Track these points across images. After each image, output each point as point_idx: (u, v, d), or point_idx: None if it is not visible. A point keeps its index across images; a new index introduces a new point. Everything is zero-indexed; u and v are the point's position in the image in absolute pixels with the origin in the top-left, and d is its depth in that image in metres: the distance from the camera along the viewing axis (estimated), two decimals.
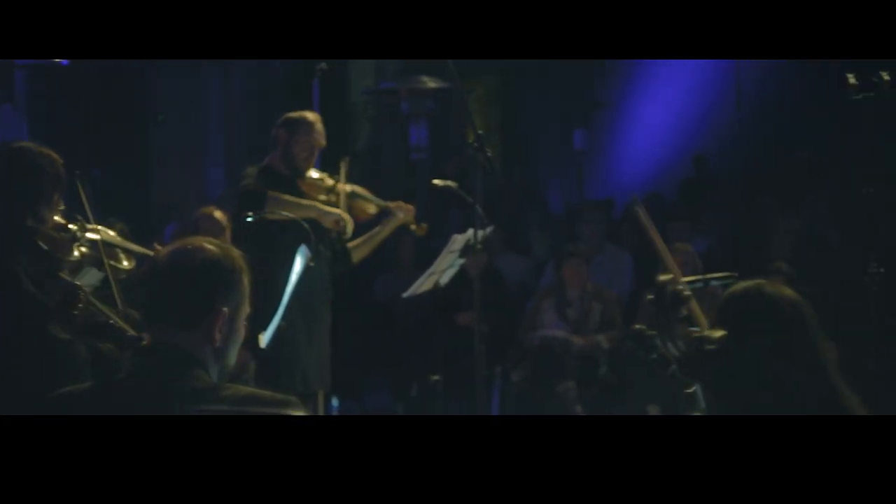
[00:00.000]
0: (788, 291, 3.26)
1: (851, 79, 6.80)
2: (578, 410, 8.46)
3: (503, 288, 9.85)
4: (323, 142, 6.73)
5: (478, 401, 6.96)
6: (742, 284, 3.31)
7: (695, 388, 3.51)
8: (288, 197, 6.53)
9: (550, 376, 8.68)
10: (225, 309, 3.00)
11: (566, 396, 8.53)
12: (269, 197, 6.41)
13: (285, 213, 6.35)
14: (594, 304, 8.84)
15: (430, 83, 15.17)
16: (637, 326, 3.74)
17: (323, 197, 6.72)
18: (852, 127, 7.10)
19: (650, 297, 3.63)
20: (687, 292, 3.56)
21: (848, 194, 10.36)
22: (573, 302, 8.98)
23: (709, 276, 6.21)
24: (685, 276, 6.76)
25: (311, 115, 6.77)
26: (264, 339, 5.85)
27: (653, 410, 7.75)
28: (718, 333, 3.23)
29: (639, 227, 5.51)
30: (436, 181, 7.13)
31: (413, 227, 7.02)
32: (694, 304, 3.97)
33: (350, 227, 6.71)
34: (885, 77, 6.73)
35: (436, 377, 7.42)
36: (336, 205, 6.70)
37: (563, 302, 8.98)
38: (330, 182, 6.79)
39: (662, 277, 3.65)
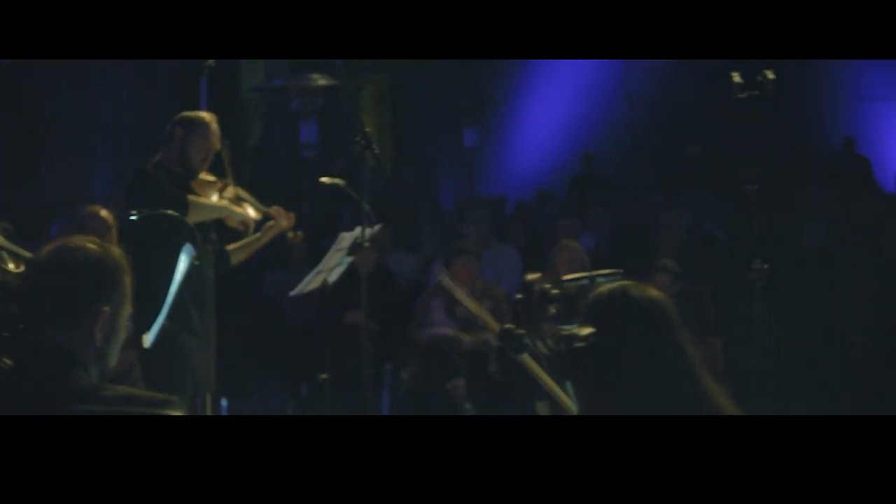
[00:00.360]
0: (654, 292, 3.30)
1: (736, 77, 6.90)
2: (468, 408, 8.47)
3: (393, 286, 9.84)
4: (218, 144, 6.65)
5: (366, 399, 6.95)
6: (608, 285, 3.35)
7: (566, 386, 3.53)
8: (203, 200, 6.48)
9: (440, 374, 8.68)
10: (106, 308, 2.96)
11: (456, 394, 8.54)
12: (189, 203, 6.34)
13: (196, 216, 6.27)
14: (484, 301, 8.86)
15: (320, 81, 15.14)
16: (507, 326, 3.76)
17: (214, 198, 6.66)
18: (738, 124, 7.20)
19: (519, 296, 3.65)
20: (555, 291, 3.59)
21: (733, 191, 10.51)
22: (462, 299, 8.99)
23: (595, 272, 6.25)
24: (572, 273, 6.84)
25: (207, 116, 6.66)
26: (148, 338, 5.78)
27: (541, 407, 7.79)
28: (586, 331, 3.25)
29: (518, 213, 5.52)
30: (323, 179, 7.10)
31: (290, 234, 6.96)
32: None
33: (252, 229, 6.68)
34: (770, 76, 6.84)
35: (324, 376, 7.39)
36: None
37: (453, 299, 8.99)
38: (219, 184, 6.73)
39: (530, 276, 3.67)
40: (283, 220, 6.86)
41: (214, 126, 6.62)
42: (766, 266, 6.94)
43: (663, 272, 8.24)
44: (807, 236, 11.50)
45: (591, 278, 5.55)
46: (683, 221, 10.17)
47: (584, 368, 3.22)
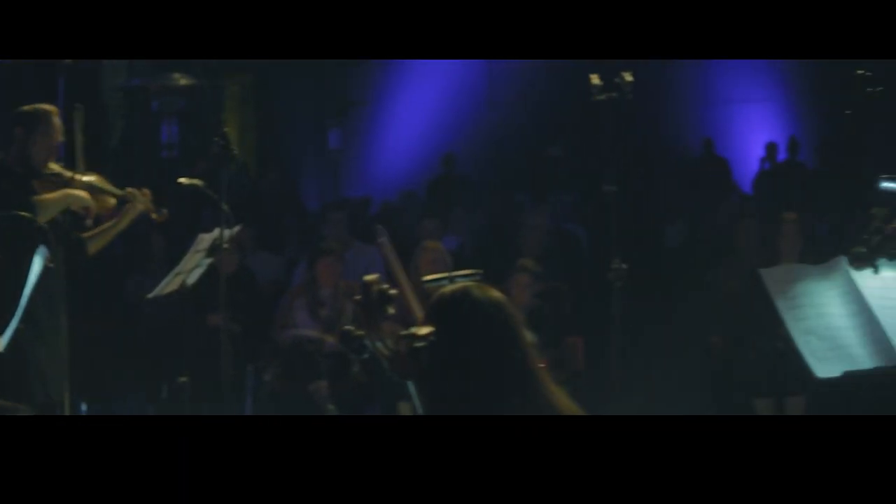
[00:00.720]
0: (496, 294, 3.34)
1: (595, 79, 6.96)
2: (330, 409, 8.43)
3: (254, 287, 9.75)
4: (61, 137, 6.45)
5: (227, 401, 6.88)
6: (450, 287, 3.37)
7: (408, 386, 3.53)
8: (46, 196, 6.29)
9: (302, 375, 8.62)
10: None
11: (318, 396, 8.50)
12: (34, 203, 6.16)
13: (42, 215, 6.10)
14: (347, 302, 8.83)
15: (182, 80, 14.94)
16: (346, 327, 3.75)
17: (62, 190, 6.46)
18: (597, 126, 7.26)
19: (357, 297, 3.64)
20: (392, 291, 3.58)
21: (593, 192, 10.62)
22: (325, 300, 8.94)
23: (455, 273, 6.27)
24: (435, 273, 6.84)
25: (47, 108, 6.45)
26: (1, 343, 5.64)
27: (404, 408, 7.78)
28: (425, 330, 3.27)
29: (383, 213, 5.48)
30: (182, 179, 6.99)
31: (154, 215, 6.76)
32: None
33: (94, 210, 6.47)
34: (627, 78, 6.91)
35: (184, 379, 7.29)
36: None
37: (316, 300, 8.93)
38: (68, 174, 6.51)
39: (367, 278, 3.66)
40: (139, 202, 6.65)
41: (56, 119, 6.43)
42: (624, 266, 7.01)
43: (524, 272, 8.28)
44: (667, 237, 11.68)
45: (452, 279, 5.57)
46: (545, 222, 10.24)
47: (425, 368, 3.23)
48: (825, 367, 3.49)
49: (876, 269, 3.35)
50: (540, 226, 9.98)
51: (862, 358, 3.52)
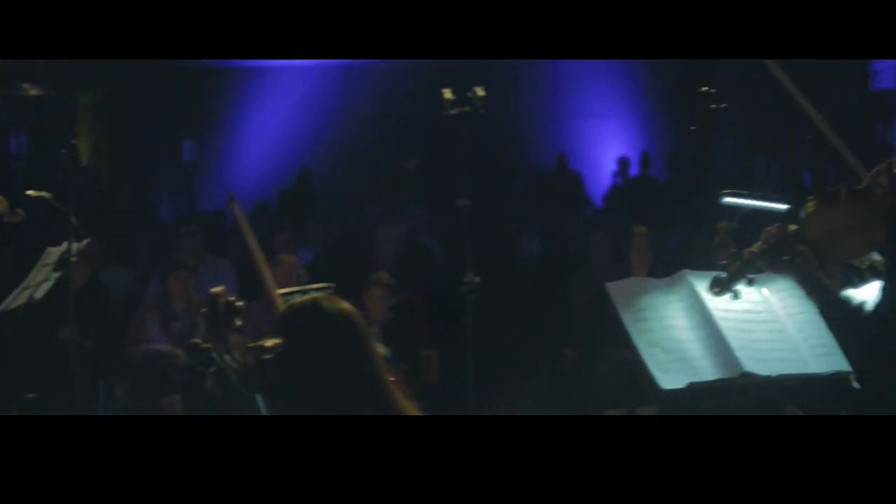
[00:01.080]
0: (345, 305, 3.35)
1: (447, 93, 7.00)
2: None
3: (106, 301, 9.60)
4: None
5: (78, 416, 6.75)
6: (300, 298, 3.38)
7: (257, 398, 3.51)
8: None
9: (154, 390, 8.52)
10: None
11: (171, 410, 8.40)
12: None
13: None
14: (200, 316, 8.73)
15: (31, 90, 14.65)
16: (194, 340, 3.72)
17: None
18: (451, 139, 7.29)
19: (204, 310, 3.61)
20: (239, 303, 3.57)
21: (447, 205, 10.67)
22: (178, 314, 8.85)
23: (308, 286, 6.25)
24: (289, 286, 6.81)
25: None
26: None
27: None
28: (272, 342, 3.27)
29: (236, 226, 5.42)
30: (30, 192, 6.86)
31: (7, 217, 6.61)
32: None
33: None
34: (480, 93, 6.96)
35: (32, 395, 7.15)
36: None
37: (168, 314, 8.84)
38: None
39: (214, 290, 3.64)
40: None
41: None
42: (477, 279, 7.05)
43: (378, 285, 8.29)
44: (520, 250, 11.78)
45: (305, 292, 5.54)
46: (399, 234, 10.26)
47: (273, 380, 3.22)
48: (669, 379, 3.55)
49: (736, 295, 3.41)
50: (393, 238, 10.00)
51: (705, 369, 3.60)
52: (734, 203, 4.25)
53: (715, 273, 3.50)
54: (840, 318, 3.04)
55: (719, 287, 3.42)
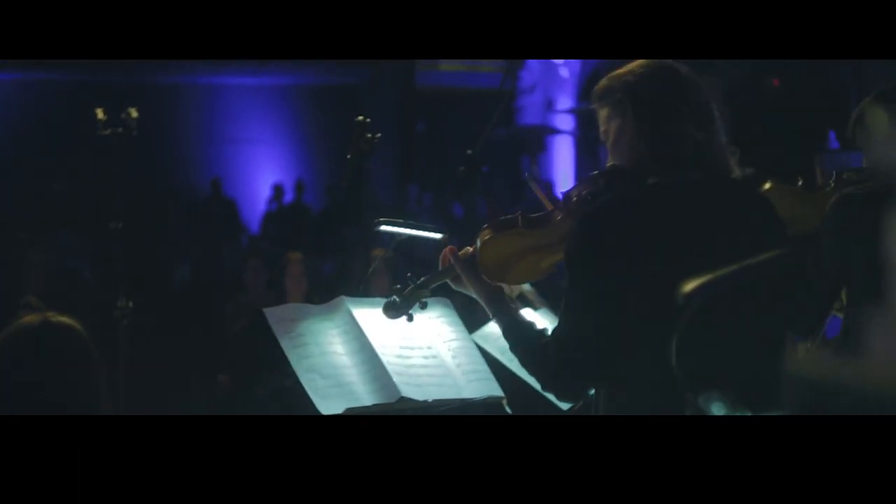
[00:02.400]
0: (69, 321, 3.28)
1: (100, 113, 6.83)
2: None
3: None
4: None
5: None
6: (25, 318, 3.31)
7: None
8: None
9: None
10: None
11: None
12: None
13: None
14: None
15: None
16: None
17: None
18: (103, 161, 7.12)
19: None
20: None
21: (99, 229, 10.42)
22: None
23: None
24: None
25: None
26: None
27: None
28: None
29: None
30: None
31: None
32: None
33: None
34: (133, 114, 6.82)
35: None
36: None
37: None
38: None
39: None
40: None
41: None
42: (130, 304, 6.90)
43: (27, 308, 7.99)
44: (175, 275, 11.62)
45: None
46: (47, 258, 9.94)
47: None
48: (328, 405, 3.55)
49: (410, 318, 3.45)
50: (43, 262, 9.67)
51: (364, 395, 3.61)
52: (390, 231, 4.30)
53: (378, 299, 3.54)
54: (518, 343, 3.13)
55: (394, 311, 3.46)
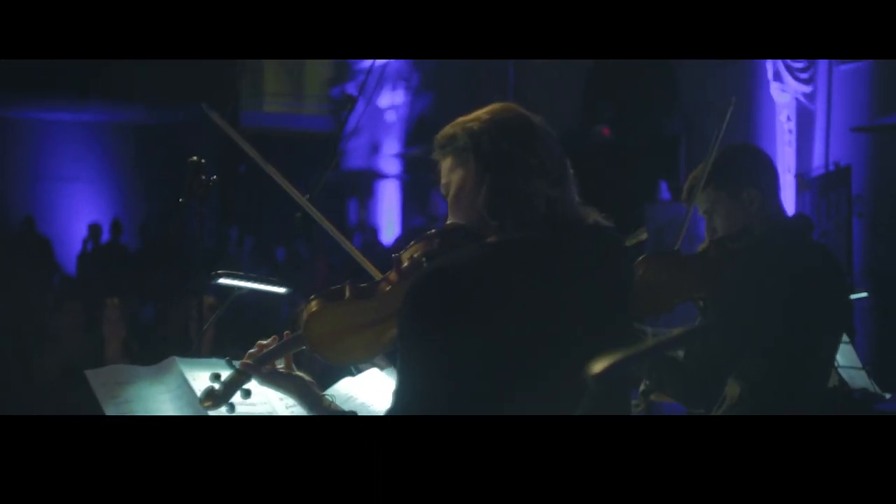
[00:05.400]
0: None
1: None
2: None
3: None
4: None
5: None
6: None
7: None
8: None
9: None
10: None
11: None
12: None
13: None
14: None
15: None
16: None
17: None
18: None
19: None
20: None
21: None
22: None
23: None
24: None
25: None
26: None
27: None
28: None
29: None
30: None
31: None
32: None
33: None
34: None
35: None
36: None
37: None
38: None
39: None
40: None
41: None
42: None
43: None
44: None
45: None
46: None
47: None
48: None
49: (231, 408, 3.11)
50: None
51: None
52: (229, 284, 4.02)
53: (215, 360, 3.26)
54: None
55: (212, 401, 3.10)
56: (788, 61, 11.58)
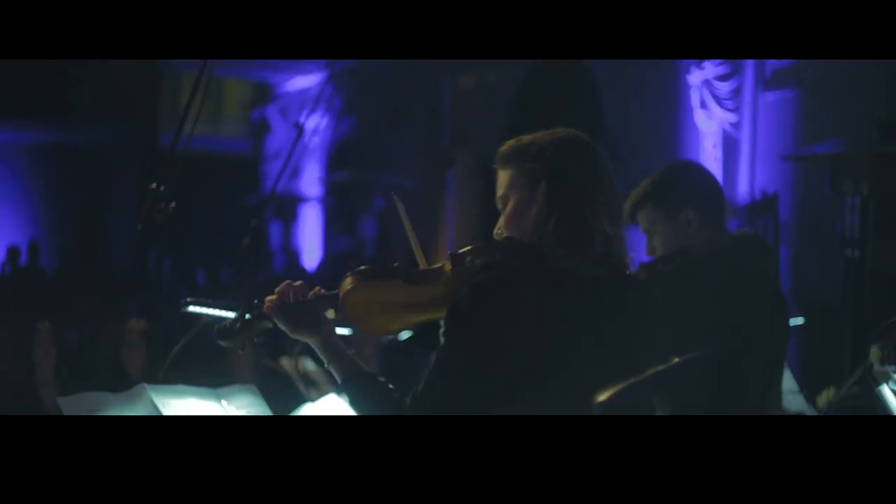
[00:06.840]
0: None
1: None
2: None
3: None
4: None
5: None
6: None
7: None
8: None
9: None
10: None
11: None
12: None
13: None
14: None
15: None
16: None
17: None
18: None
19: None
20: None
21: None
22: None
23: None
24: None
25: None
26: None
27: None
28: None
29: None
30: None
31: None
32: None
33: None
34: None
35: None
36: None
37: None
38: None
39: None
40: None
41: None
42: None
43: None
44: None
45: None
46: None
47: None
48: None
49: (243, 347, 3.07)
50: None
51: None
52: (197, 311, 3.98)
53: (183, 387, 3.24)
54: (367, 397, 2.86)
55: (227, 338, 3.06)
56: (715, 90, 11.72)
